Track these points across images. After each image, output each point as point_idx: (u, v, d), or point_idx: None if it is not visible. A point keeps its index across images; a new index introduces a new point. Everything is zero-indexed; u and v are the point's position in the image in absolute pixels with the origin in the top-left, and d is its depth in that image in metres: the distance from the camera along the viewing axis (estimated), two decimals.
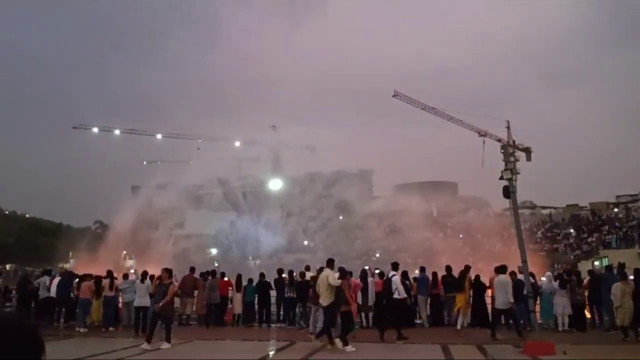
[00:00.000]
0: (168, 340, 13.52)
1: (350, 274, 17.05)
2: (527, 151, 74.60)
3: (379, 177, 79.35)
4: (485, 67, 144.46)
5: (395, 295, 15.05)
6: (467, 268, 17.68)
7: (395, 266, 16.13)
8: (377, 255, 61.26)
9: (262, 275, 19.95)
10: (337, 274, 13.65)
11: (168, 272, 14.44)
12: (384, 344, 14.30)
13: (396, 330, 14.37)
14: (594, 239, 54.56)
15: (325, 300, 13.40)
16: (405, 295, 15.78)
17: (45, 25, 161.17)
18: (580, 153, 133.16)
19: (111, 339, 15.83)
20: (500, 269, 15.42)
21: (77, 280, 19.28)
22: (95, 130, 78.23)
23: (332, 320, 13.40)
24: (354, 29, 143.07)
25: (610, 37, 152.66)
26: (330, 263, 14.29)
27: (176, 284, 18.54)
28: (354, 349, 12.74)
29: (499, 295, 14.77)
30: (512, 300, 14.46)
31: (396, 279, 15.49)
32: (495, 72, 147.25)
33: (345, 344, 12.83)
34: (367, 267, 20.34)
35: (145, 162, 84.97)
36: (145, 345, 13.15)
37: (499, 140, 76.70)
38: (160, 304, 13.50)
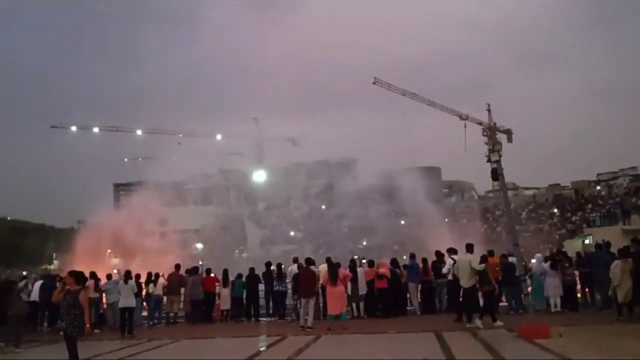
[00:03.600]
0: None
1: (339, 265, 16.83)
2: (508, 133, 74.95)
3: (362, 165, 79.05)
4: (464, 52, 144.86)
5: None
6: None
7: (469, 247, 15.84)
8: (364, 243, 61.06)
9: (251, 269, 19.56)
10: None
11: (74, 275, 10.47)
12: (377, 335, 14.12)
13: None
14: (577, 218, 54.94)
15: (466, 282, 14.19)
16: None
17: (21, 24, 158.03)
18: (560, 133, 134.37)
19: (97, 342, 15.40)
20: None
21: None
22: (74, 128, 77.03)
23: (474, 301, 14.17)
24: (334, 18, 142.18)
25: (585, 18, 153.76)
26: (469, 248, 14.75)
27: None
28: (502, 324, 13.64)
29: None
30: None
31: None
32: (474, 57, 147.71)
33: (494, 320, 13.90)
34: (355, 257, 20.10)
35: (126, 159, 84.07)
36: None
37: (480, 124, 77.07)
38: (87, 324, 9.95)
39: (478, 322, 13.82)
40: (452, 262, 15.76)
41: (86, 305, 9.89)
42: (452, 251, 16.50)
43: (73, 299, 9.81)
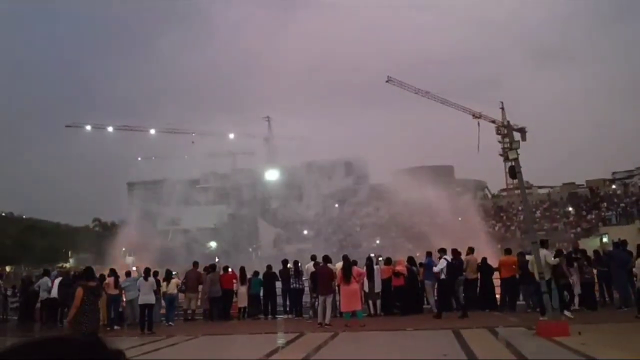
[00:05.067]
0: None
1: (355, 262, 16.87)
2: (522, 131, 74.53)
3: (374, 164, 79.21)
4: (476, 50, 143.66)
5: None
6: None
7: (543, 243, 15.78)
8: (377, 242, 60.99)
9: (268, 267, 19.69)
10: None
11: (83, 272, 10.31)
12: (395, 332, 14.16)
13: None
14: (593, 217, 54.59)
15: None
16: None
17: (33, 24, 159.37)
18: (574, 131, 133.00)
19: (117, 338, 15.61)
20: None
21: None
22: (88, 128, 77.89)
23: (559, 294, 14.18)
24: (347, 16, 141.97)
25: (600, 15, 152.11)
26: (544, 243, 14.74)
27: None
28: (572, 317, 13.71)
29: None
30: None
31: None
32: (487, 55, 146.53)
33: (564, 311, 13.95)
34: (372, 255, 20.14)
35: (139, 158, 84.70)
36: None
37: (494, 122, 76.87)
38: (67, 320, 9.58)
39: (568, 313, 14.03)
40: (445, 262, 15.93)
41: (78, 302, 9.30)
42: (443, 251, 16.64)
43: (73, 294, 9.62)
